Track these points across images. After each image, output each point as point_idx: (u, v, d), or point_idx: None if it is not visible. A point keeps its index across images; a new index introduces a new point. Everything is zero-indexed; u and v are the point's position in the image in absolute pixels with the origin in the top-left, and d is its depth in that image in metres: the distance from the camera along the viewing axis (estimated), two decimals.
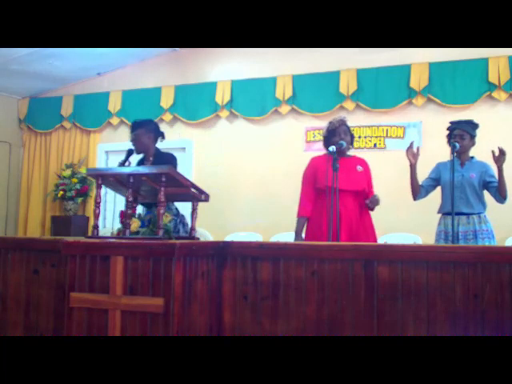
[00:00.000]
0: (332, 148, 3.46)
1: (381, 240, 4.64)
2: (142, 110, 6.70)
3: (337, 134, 3.69)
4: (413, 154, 3.82)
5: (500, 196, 3.75)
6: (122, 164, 3.53)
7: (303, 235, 3.77)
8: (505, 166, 3.65)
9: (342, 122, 3.72)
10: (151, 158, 3.75)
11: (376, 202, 3.62)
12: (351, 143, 3.80)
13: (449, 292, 2.33)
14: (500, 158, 3.62)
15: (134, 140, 3.77)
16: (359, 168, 3.72)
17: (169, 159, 3.74)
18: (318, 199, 3.67)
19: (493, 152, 3.65)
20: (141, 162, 3.85)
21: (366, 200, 3.64)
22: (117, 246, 2.51)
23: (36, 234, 7.05)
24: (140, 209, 3.44)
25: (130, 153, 3.66)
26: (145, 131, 3.78)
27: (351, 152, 3.88)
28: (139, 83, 6.80)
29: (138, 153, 3.79)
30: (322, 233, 3.51)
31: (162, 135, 3.87)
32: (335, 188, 3.32)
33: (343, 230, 3.52)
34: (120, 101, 6.87)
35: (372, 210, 3.69)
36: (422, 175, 3.98)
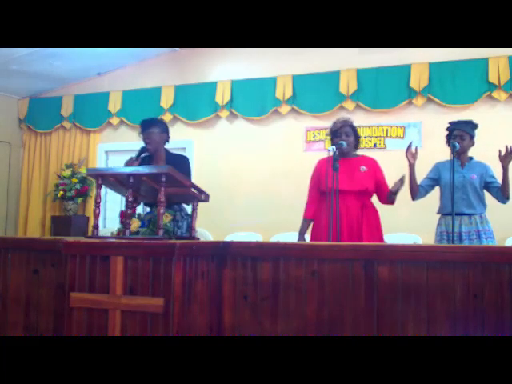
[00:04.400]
0: (332, 148, 3.48)
1: None
2: (142, 110, 6.70)
3: (338, 135, 3.70)
4: (412, 155, 3.83)
5: (503, 196, 3.75)
6: (135, 160, 3.52)
7: (308, 236, 3.83)
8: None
9: (346, 123, 3.73)
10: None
11: (398, 186, 3.58)
12: (356, 144, 3.80)
13: (449, 292, 2.33)
14: (507, 157, 3.62)
15: (147, 138, 3.68)
16: (363, 168, 3.71)
17: (184, 161, 3.71)
18: (321, 201, 3.70)
19: (499, 151, 3.65)
20: (147, 161, 3.75)
21: (389, 190, 3.62)
22: (117, 245, 2.51)
23: (36, 234, 7.05)
24: (139, 208, 3.44)
25: (142, 151, 3.64)
26: (159, 131, 3.72)
27: (360, 152, 3.87)
28: (139, 83, 6.80)
29: (151, 152, 3.71)
30: (323, 234, 3.54)
31: (169, 138, 3.83)
32: (335, 188, 3.33)
33: (344, 230, 3.53)
34: (120, 101, 6.87)
35: (395, 194, 3.63)
36: (422, 175, 3.98)
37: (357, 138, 3.80)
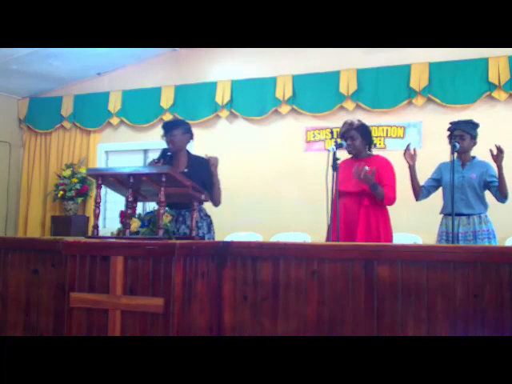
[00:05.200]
0: (331, 148, 3.49)
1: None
2: (142, 110, 6.71)
3: (345, 139, 3.75)
4: (410, 156, 3.83)
5: (501, 195, 3.74)
6: (157, 162, 3.60)
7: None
8: (504, 166, 3.65)
9: (351, 127, 3.73)
10: (183, 160, 3.79)
11: (358, 173, 3.51)
12: (367, 144, 3.80)
13: (449, 292, 2.32)
14: (498, 156, 3.62)
15: (171, 141, 3.75)
16: (366, 169, 3.70)
17: (206, 164, 3.78)
18: None
19: (491, 150, 3.65)
20: (167, 160, 3.77)
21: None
22: (117, 246, 2.51)
23: (36, 234, 7.05)
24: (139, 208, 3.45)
25: (164, 152, 3.73)
26: (182, 132, 3.80)
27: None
28: (139, 83, 6.80)
29: (174, 153, 3.78)
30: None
31: (192, 137, 3.92)
32: (335, 188, 3.35)
33: (342, 231, 3.54)
34: (120, 101, 6.87)
35: (365, 183, 3.54)
36: (422, 175, 3.98)
37: (367, 138, 3.79)
